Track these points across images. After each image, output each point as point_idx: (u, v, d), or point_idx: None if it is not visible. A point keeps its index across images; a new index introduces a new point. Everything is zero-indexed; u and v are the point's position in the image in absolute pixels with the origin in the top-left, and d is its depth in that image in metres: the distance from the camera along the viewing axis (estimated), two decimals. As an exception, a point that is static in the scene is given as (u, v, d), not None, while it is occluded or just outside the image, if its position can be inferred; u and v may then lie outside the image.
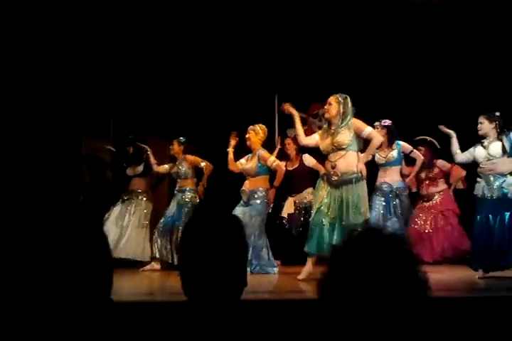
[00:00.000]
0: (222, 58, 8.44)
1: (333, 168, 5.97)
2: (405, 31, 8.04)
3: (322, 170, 6.60)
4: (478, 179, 6.22)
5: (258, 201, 7.00)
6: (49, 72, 7.79)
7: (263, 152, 7.09)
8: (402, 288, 1.31)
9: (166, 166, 8.07)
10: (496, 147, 6.15)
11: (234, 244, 1.70)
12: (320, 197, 6.03)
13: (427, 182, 7.90)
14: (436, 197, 7.91)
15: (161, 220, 7.75)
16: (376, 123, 7.09)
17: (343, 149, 5.97)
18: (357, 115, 8.03)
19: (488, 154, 6.14)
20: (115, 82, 8.60)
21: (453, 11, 7.76)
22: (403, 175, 7.36)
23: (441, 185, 7.95)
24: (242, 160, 7.27)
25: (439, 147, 7.64)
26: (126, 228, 8.03)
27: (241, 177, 7.35)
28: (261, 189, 7.06)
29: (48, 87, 7.81)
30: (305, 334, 1.56)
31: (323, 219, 5.93)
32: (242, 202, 7.09)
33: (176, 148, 7.92)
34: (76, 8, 7.53)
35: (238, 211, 6.90)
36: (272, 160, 7.06)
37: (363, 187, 5.98)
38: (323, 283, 1.36)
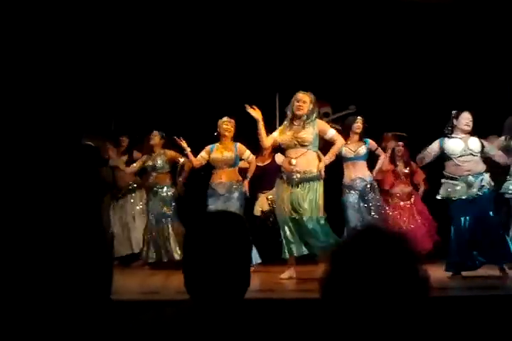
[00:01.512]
0: (223, 57, 8.43)
1: (291, 164, 5.98)
2: (405, 30, 8.04)
3: None
4: (453, 181, 6.05)
5: (236, 194, 6.97)
6: (50, 72, 7.79)
7: (240, 144, 7.15)
8: (403, 286, 1.31)
9: (135, 165, 7.92)
10: (475, 143, 6.08)
11: (238, 243, 1.70)
12: (281, 199, 6.01)
13: (402, 178, 7.87)
14: (412, 196, 7.89)
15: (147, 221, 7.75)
16: (359, 118, 7.11)
17: (305, 146, 5.99)
18: (355, 113, 8.09)
19: (468, 149, 6.04)
20: (116, 82, 8.60)
21: (452, 9, 7.76)
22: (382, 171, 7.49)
23: (410, 184, 7.95)
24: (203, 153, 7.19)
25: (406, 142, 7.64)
26: (131, 224, 8.08)
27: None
28: (238, 181, 7.08)
29: (48, 87, 7.81)
30: (307, 332, 1.56)
31: (287, 221, 5.96)
32: (215, 196, 6.99)
33: (157, 140, 7.84)
34: (76, 8, 7.53)
35: (219, 206, 6.81)
36: (248, 153, 7.15)
37: (321, 186, 6.01)
38: (325, 282, 1.36)
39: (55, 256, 1.44)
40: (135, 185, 8.30)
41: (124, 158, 8.30)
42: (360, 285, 1.30)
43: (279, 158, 7.66)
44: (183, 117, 8.61)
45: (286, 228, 6.00)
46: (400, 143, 7.80)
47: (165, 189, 7.74)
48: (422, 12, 7.78)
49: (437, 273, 6.01)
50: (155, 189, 7.75)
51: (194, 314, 1.63)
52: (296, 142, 5.99)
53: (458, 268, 6.01)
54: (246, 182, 7.16)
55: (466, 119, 6.10)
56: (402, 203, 7.83)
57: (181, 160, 7.67)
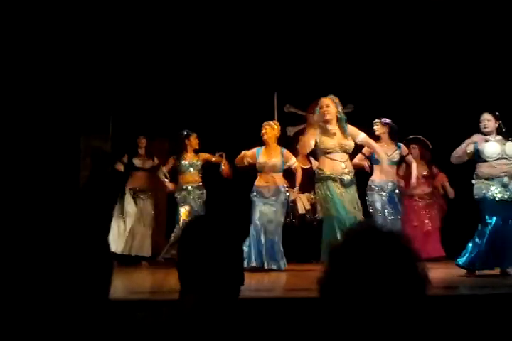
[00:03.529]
0: (221, 56, 8.42)
1: (345, 168, 6.24)
2: (404, 28, 8.03)
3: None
4: (488, 181, 6.05)
5: (282, 199, 7.14)
6: (48, 70, 7.78)
7: (286, 151, 7.25)
8: (402, 283, 1.30)
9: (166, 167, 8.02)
10: (509, 146, 6.09)
11: (230, 244, 1.71)
12: (335, 199, 6.14)
13: (422, 180, 7.93)
14: (430, 196, 8.04)
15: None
16: (376, 121, 7.15)
17: (348, 152, 6.32)
18: (354, 112, 8.10)
19: (505, 153, 6.05)
20: (114, 80, 8.59)
21: (452, 7, 7.75)
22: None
23: (431, 186, 8.10)
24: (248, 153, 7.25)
25: (430, 147, 7.74)
26: (139, 227, 8.10)
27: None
28: (284, 185, 7.21)
29: (47, 86, 7.81)
30: (305, 332, 1.55)
31: (343, 222, 5.99)
32: (260, 198, 7.11)
33: (194, 140, 7.90)
34: (76, 7, 7.52)
35: (266, 209, 7.02)
36: (294, 160, 7.26)
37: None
38: (323, 281, 1.35)
39: (53, 256, 1.42)
40: (150, 193, 8.30)
41: (147, 161, 8.28)
42: (359, 283, 1.29)
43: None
44: (180, 115, 8.61)
45: (336, 228, 5.98)
46: (414, 145, 7.88)
47: (200, 190, 7.83)
48: (419, 9, 7.76)
49: (448, 272, 6.10)
50: (190, 188, 7.82)
51: (190, 313, 1.63)
52: (341, 148, 6.25)
53: (473, 266, 6.00)
54: (290, 190, 7.34)
55: (482, 121, 6.12)
56: (421, 203, 7.93)
57: (213, 159, 7.81)
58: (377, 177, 7.08)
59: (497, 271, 6.05)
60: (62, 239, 1.43)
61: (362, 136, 6.39)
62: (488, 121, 6.10)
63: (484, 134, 6.12)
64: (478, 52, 8.13)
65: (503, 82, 8.08)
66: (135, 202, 8.17)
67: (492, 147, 6.08)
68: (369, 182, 7.06)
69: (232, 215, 1.82)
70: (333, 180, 6.21)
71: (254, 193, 7.14)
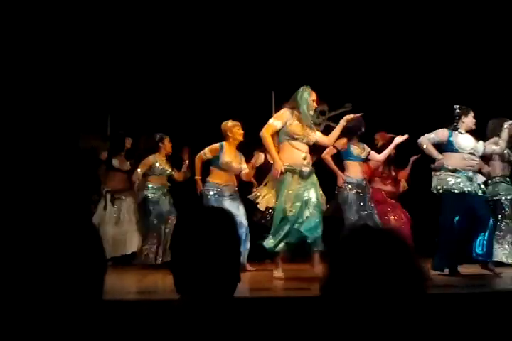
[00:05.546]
0: (219, 55, 8.43)
1: (305, 159, 5.95)
2: (401, 28, 8.05)
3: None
4: (454, 174, 6.05)
5: (237, 195, 7.20)
6: (46, 70, 7.79)
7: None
8: (402, 280, 1.31)
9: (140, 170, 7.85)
10: (481, 145, 6.17)
11: (226, 240, 1.69)
12: (294, 191, 5.87)
13: (390, 180, 7.92)
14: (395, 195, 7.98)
15: (155, 221, 7.76)
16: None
17: (309, 144, 6.06)
18: (352, 111, 8.09)
19: (477, 148, 6.11)
20: (112, 80, 8.59)
21: (449, 6, 7.77)
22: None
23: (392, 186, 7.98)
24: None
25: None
26: (126, 225, 8.07)
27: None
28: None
29: (45, 85, 7.81)
30: (299, 331, 1.55)
31: (301, 214, 5.84)
32: (222, 196, 7.13)
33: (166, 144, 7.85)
34: (74, 7, 7.53)
35: (227, 204, 6.99)
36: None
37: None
38: (325, 282, 1.35)
39: (46, 255, 1.41)
40: (130, 192, 8.27)
41: (126, 163, 8.26)
42: (362, 282, 1.31)
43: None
44: (178, 114, 8.61)
45: (285, 224, 5.88)
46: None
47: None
48: (417, 9, 7.78)
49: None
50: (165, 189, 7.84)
51: (185, 313, 1.62)
52: (307, 139, 5.98)
53: (444, 263, 5.98)
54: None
55: (473, 118, 6.15)
56: (391, 201, 7.89)
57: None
58: (351, 174, 7.01)
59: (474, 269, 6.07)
60: (57, 239, 1.42)
61: (317, 135, 6.14)
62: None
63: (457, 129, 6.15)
64: (476, 52, 8.16)
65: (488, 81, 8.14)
66: (113, 204, 8.13)
67: (467, 140, 6.12)
68: (344, 178, 6.97)
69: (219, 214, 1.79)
70: (292, 173, 5.91)
71: (215, 191, 7.22)
